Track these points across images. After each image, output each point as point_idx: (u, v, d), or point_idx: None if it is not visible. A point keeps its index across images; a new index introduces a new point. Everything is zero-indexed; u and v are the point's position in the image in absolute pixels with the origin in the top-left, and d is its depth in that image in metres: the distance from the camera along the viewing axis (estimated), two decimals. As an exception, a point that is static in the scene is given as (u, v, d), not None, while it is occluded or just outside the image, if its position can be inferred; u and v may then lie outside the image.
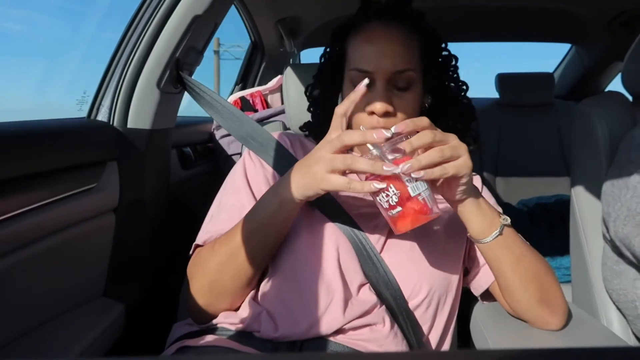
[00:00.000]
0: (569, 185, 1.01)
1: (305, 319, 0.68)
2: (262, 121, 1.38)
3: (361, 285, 0.72)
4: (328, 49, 0.83)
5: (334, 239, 0.72)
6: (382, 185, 0.58)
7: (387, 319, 0.70)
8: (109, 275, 1.01)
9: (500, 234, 0.66)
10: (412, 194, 0.58)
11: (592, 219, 0.93)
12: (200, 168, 1.51)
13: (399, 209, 0.59)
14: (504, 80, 1.96)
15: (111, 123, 0.99)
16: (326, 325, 0.67)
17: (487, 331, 0.74)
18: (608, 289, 0.88)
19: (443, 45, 0.80)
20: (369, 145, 0.60)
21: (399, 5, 0.75)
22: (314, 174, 0.61)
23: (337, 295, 0.69)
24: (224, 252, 0.69)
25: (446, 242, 0.77)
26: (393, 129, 0.58)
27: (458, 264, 0.78)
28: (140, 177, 1.03)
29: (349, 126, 0.71)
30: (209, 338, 0.70)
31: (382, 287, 0.71)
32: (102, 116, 0.99)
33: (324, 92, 0.85)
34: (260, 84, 1.90)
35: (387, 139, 0.58)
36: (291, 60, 2.08)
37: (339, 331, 0.68)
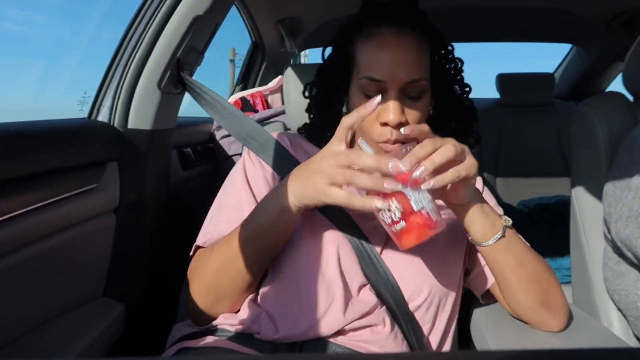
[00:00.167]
0: (570, 186, 1.01)
1: (306, 320, 0.67)
2: (262, 121, 1.38)
3: (361, 287, 0.72)
4: (331, 51, 0.80)
5: (334, 240, 0.72)
6: (384, 204, 0.56)
7: (388, 320, 0.70)
8: (109, 276, 1.01)
9: (503, 236, 0.65)
10: (416, 208, 0.57)
11: (592, 220, 0.93)
12: (201, 168, 1.50)
13: (402, 223, 0.57)
14: (504, 81, 1.95)
15: (112, 123, 0.99)
16: (326, 327, 0.67)
17: (487, 332, 0.74)
18: (609, 289, 0.88)
19: (450, 48, 0.78)
20: (364, 147, 0.60)
21: (408, 9, 0.73)
22: (314, 185, 0.60)
23: (338, 296, 0.69)
24: (222, 257, 0.69)
25: (447, 243, 0.76)
26: (402, 131, 0.59)
27: (459, 265, 0.78)
28: (140, 178, 1.03)
29: (356, 131, 0.70)
30: (209, 339, 0.69)
31: (383, 288, 0.71)
32: (102, 117, 0.99)
33: (325, 94, 0.82)
34: (260, 85, 1.90)
35: (401, 173, 0.56)
36: (292, 60, 2.09)
37: (340, 332, 0.68)
